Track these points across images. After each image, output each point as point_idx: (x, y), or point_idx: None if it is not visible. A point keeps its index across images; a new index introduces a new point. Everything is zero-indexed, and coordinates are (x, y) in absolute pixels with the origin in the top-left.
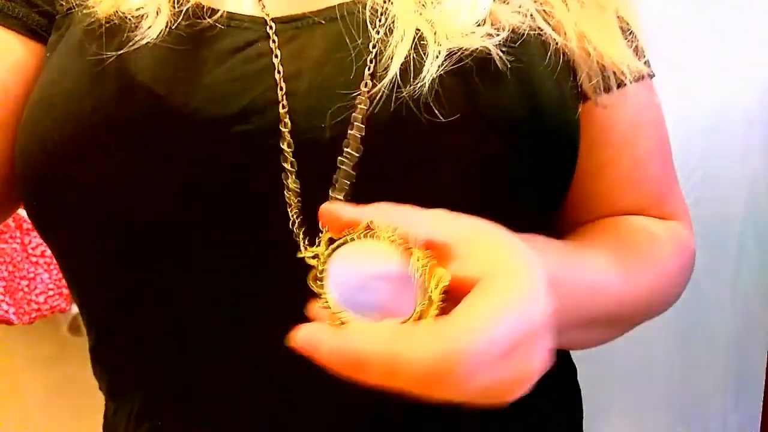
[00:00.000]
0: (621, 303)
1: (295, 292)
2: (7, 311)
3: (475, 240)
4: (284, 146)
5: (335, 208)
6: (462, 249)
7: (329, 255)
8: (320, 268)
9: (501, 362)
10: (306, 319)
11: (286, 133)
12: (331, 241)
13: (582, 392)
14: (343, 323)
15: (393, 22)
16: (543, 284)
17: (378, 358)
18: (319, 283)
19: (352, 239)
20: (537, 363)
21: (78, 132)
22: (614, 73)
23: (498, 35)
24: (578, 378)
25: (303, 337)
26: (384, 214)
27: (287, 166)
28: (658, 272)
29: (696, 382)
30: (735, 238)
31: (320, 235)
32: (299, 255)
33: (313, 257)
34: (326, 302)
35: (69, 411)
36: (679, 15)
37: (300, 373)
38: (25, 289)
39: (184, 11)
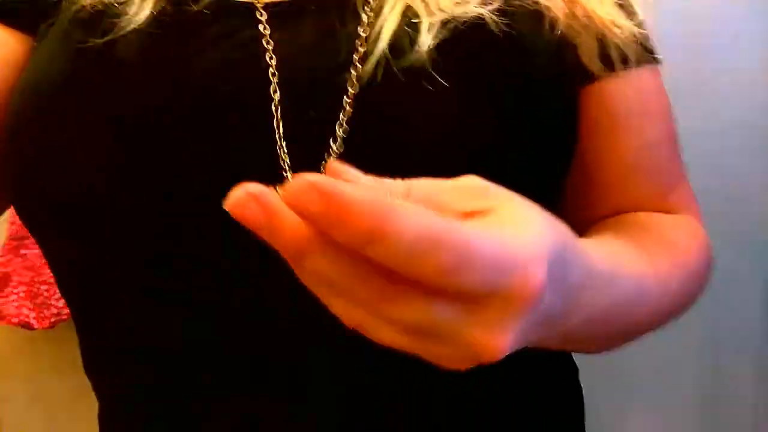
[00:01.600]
0: (653, 312)
1: (293, 284)
2: (27, 316)
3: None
4: (274, 132)
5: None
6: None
7: None
8: None
9: None
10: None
11: (276, 119)
12: None
13: (605, 389)
14: None
15: (383, 2)
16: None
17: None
18: None
19: None
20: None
21: (64, 120)
22: (617, 52)
23: (491, 4)
24: (603, 375)
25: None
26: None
27: (278, 151)
28: (685, 271)
29: (724, 380)
30: (762, 234)
31: None
32: None
33: None
34: None
35: (94, 414)
36: (699, 8)
37: (302, 373)
38: (45, 294)
39: None
